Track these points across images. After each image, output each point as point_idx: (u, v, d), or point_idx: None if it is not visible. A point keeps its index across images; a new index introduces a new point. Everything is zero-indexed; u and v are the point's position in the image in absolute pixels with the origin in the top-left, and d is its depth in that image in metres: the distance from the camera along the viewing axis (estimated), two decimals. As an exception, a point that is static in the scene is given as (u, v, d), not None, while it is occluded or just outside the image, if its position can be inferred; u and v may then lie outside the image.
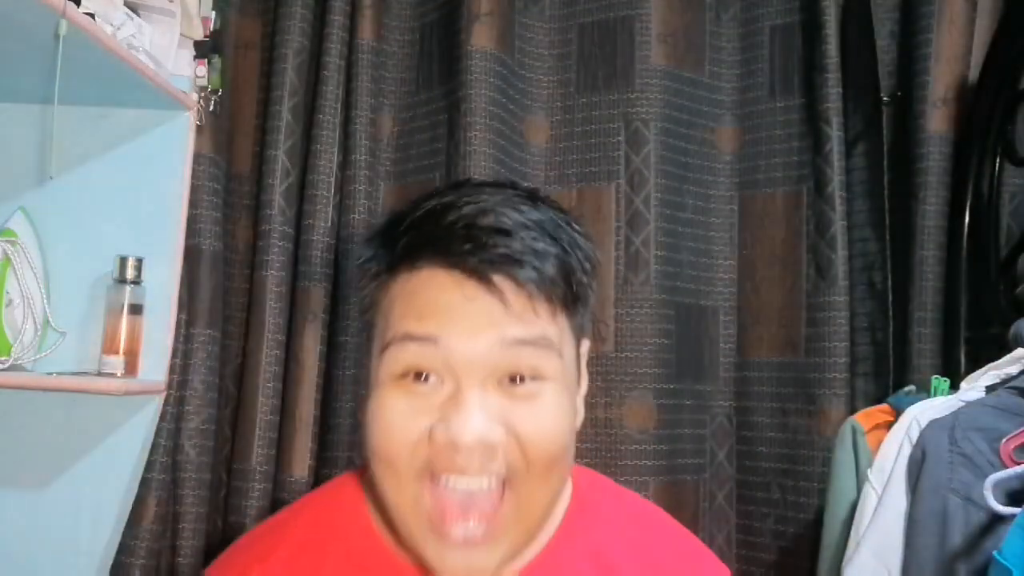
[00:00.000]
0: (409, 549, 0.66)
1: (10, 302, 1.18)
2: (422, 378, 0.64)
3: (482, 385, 0.63)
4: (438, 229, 0.64)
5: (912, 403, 1.09)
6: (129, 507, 1.24)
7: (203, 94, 1.31)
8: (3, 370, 1.15)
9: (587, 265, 0.69)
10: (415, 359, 0.64)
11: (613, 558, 0.71)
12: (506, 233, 0.64)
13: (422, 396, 0.64)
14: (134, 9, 1.19)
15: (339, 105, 1.37)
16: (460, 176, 1.29)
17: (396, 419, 0.63)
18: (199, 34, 1.30)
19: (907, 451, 1.04)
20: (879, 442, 1.08)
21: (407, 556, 0.67)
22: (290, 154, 1.34)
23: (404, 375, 0.64)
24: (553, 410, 0.65)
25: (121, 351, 1.21)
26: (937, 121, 1.28)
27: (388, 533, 0.69)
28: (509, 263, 0.63)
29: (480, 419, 0.62)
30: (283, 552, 0.70)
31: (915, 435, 1.03)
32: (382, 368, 0.65)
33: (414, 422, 0.63)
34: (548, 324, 0.65)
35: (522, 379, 0.64)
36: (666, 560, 0.74)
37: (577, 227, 0.70)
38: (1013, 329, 1.06)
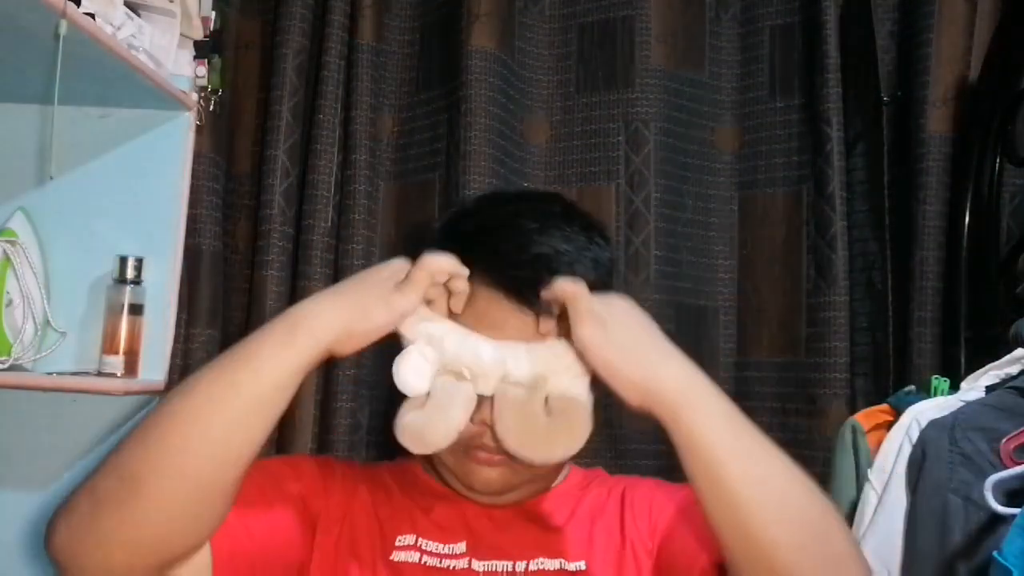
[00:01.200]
0: (447, 477, 0.86)
1: (10, 302, 1.18)
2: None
3: None
4: (489, 254, 0.80)
5: (912, 403, 1.09)
6: (129, 507, 1.24)
7: (203, 94, 1.31)
8: (3, 370, 1.15)
9: (605, 278, 0.86)
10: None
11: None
12: (543, 261, 0.79)
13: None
14: (134, 9, 1.19)
15: (339, 105, 1.36)
16: (460, 176, 1.29)
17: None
18: (199, 34, 1.30)
19: (907, 451, 1.04)
20: (879, 442, 1.08)
21: (443, 483, 0.89)
22: (290, 154, 1.34)
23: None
24: None
25: (121, 351, 1.21)
26: (937, 121, 1.28)
27: (432, 477, 0.90)
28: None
29: None
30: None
31: (915, 435, 1.03)
32: None
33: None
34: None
35: None
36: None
37: (599, 240, 0.86)
38: (1013, 329, 1.06)
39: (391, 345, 1.37)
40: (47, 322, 1.22)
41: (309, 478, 0.86)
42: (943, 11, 1.29)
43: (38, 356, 1.21)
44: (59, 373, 1.21)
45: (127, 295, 1.22)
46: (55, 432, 1.29)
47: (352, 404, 1.31)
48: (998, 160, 1.25)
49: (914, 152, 1.29)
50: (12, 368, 1.16)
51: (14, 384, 1.18)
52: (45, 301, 1.21)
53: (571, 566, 0.84)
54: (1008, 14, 1.28)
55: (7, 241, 1.19)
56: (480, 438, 0.80)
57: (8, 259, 1.19)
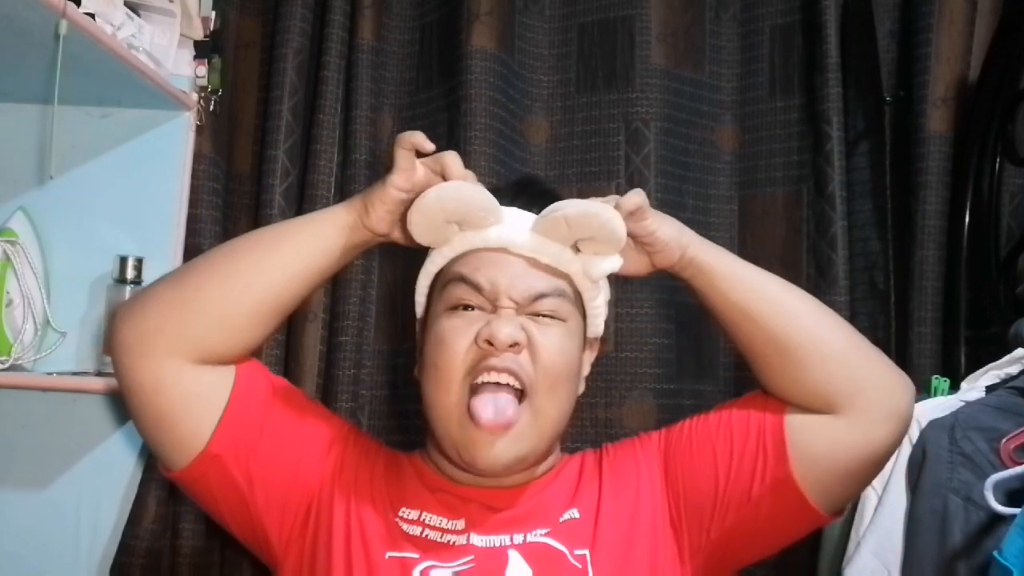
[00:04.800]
0: (446, 451, 0.87)
1: (10, 302, 1.18)
2: (469, 308, 0.86)
3: (514, 310, 0.85)
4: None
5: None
6: (129, 507, 1.24)
7: (203, 94, 1.31)
8: (3, 370, 1.15)
9: None
10: (465, 295, 0.86)
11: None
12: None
13: (469, 317, 0.85)
14: (134, 9, 1.19)
15: (339, 105, 1.36)
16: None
17: (448, 335, 0.85)
18: (199, 34, 1.30)
19: (907, 451, 1.04)
20: (879, 442, 1.07)
21: (442, 477, 0.90)
22: (290, 154, 1.34)
23: (455, 306, 0.86)
24: (561, 339, 0.86)
25: (121, 351, 1.21)
26: (937, 121, 1.28)
27: (433, 469, 0.92)
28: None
29: (511, 325, 0.83)
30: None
31: (915, 435, 1.04)
32: (440, 302, 0.88)
33: (463, 336, 0.84)
34: (562, 285, 0.87)
35: (542, 316, 0.86)
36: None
37: None
38: (1013, 329, 1.06)
39: (392, 352, 1.37)
40: (47, 322, 1.22)
41: (341, 434, 0.92)
42: (943, 11, 1.29)
43: (38, 356, 1.21)
44: (59, 373, 1.21)
45: (127, 295, 1.22)
46: (55, 432, 1.29)
47: (352, 404, 1.31)
48: (998, 160, 1.25)
49: (914, 152, 1.30)
50: (12, 368, 1.16)
51: (14, 384, 1.18)
52: (45, 301, 1.21)
53: (564, 516, 0.87)
54: (1008, 14, 1.28)
55: (7, 241, 1.19)
56: (488, 359, 0.83)
57: (8, 259, 1.19)
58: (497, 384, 0.82)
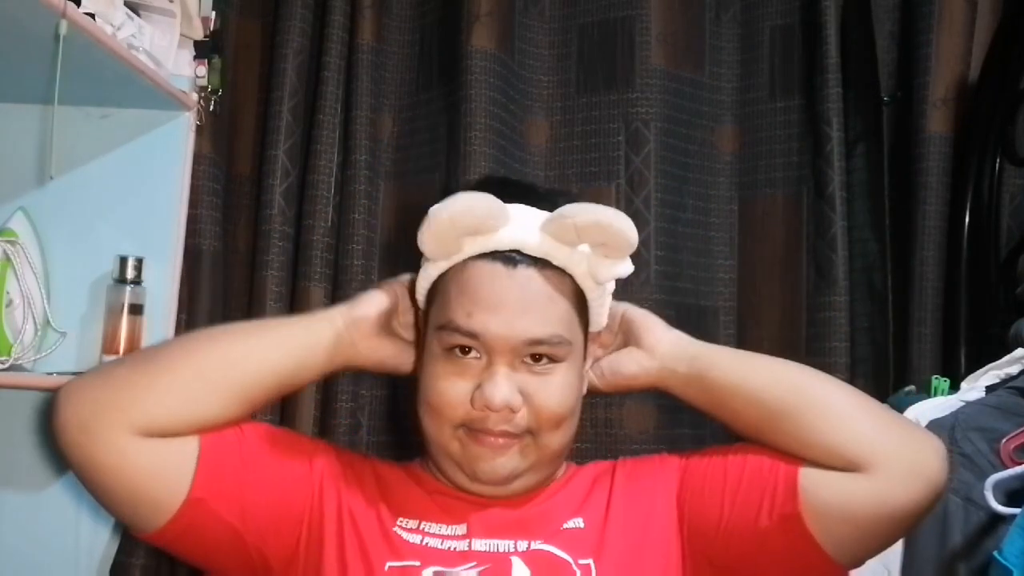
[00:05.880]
0: (444, 472, 0.88)
1: (10, 302, 1.18)
2: (465, 352, 0.84)
3: (510, 362, 0.83)
4: None
5: (912, 403, 1.09)
6: (129, 507, 1.24)
7: (203, 94, 1.31)
8: (3, 370, 1.15)
9: None
10: (460, 341, 0.83)
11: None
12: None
13: (465, 365, 0.84)
14: (134, 9, 1.19)
15: (339, 105, 1.36)
16: (460, 176, 1.29)
17: (444, 383, 0.84)
18: (199, 34, 1.30)
19: (907, 451, 1.03)
20: (879, 442, 1.07)
21: (443, 482, 0.90)
22: (290, 154, 1.34)
23: (451, 349, 0.84)
24: (561, 384, 0.84)
25: (121, 351, 1.21)
26: (937, 121, 1.28)
27: (432, 475, 0.91)
28: (532, 260, 0.84)
29: (506, 388, 0.81)
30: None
31: (915, 435, 1.03)
32: (436, 343, 0.85)
33: (458, 386, 0.83)
34: (562, 317, 0.85)
35: (540, 359, 0.84)
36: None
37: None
38: (1013, 329, 1.06)
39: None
40: (47, 322, 1.22)
41: (324, 451, 0.91)
42: (943, 11, 1.29)
43: (38, 356, 1.20)
44: (59, 373, 1.21)
45: (127, 295, 1.22)
46: (55, 432, 1.29)
47: (352, 404, 1.31)
48: (998, 160, 1.25)
49: (914, 152, 1.30)
50: (12, 368, 1.16)
51: (14, 384, 1.18)
52: (45, 301, 1.21)
53: (567, 524, 0.87)
54: (1008, 14, 1.28)
55: (7, 241, 1.19)
56: (484, 422, 0.82)
57: (8, 259, 1.19)
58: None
